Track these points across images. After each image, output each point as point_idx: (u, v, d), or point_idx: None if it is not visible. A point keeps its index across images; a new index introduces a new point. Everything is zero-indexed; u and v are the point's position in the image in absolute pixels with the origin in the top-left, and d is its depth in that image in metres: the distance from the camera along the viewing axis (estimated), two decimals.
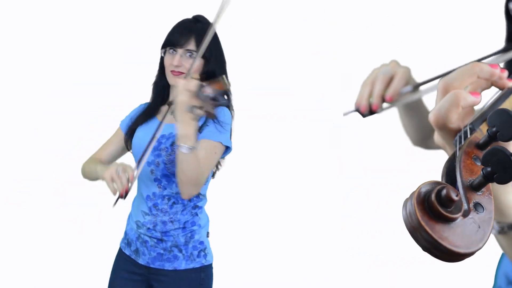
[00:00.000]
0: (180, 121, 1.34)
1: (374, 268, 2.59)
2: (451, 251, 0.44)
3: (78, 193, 2.58)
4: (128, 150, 1.73)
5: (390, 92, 1.01)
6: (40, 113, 2.85)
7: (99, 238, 2.55)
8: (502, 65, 1.08)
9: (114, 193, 1.45)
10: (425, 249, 0.46)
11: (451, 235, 0.45)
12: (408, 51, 2.19)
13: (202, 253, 1.67)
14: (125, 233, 1.72)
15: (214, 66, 1.60)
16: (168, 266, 1.64)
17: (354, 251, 2.63)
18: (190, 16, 1.65)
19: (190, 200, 1.64)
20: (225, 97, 1.32)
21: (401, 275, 2.47)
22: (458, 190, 0.50)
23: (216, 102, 1.31)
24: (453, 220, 0.46)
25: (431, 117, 0.58)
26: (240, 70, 1.53)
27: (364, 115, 1.06)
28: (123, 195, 1.44)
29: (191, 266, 1.65)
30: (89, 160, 1.72)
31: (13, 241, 2.82)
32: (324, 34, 2.61)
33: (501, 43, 1.11)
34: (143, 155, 1.52)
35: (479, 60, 1.06)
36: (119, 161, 1.71)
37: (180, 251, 1.64)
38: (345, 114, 1.12)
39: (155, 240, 1.63)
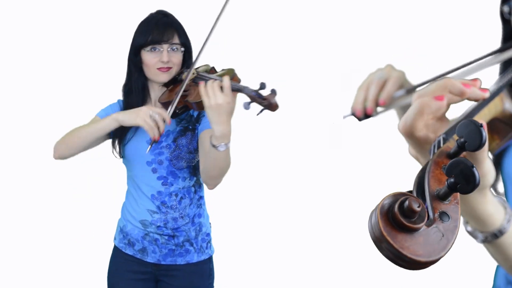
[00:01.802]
0: (218, 122, 1.34)
1: (373, 268, 2.58)
2: (412, 260, 0.47)
3: (73, 190, 2.62)
4: (119, 156, 1.68)
5: (383, 96, 1.03)
6: (35, 113, 2.88)
7: (94, 237, 2.57)
8: (498, 66, 1.09)
9: (153, 139, 1.46)
10: (389, 258, 0.48)
11: (413, 245, 0.47)
12: (407, 51, 2.19)
13: (209, 244, 1.72)
14: (124, 234, 1.70)
15: (189, 58, 1.63)
16: (180, 261, 1.66)
17: (354, 250, 2.63)
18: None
19: (195, 192, 1.66)
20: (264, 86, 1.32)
21: (400, 275, 2.45)
22: (425, 199, 0.52)
23: (272, 92, 1.30)
24: (415, 230, 0.47)
25: (399, 127, 0.60)
26: (240, 70, 1.54)
27: (359, 119, 1.09)
28: (158, 139, 1.47)
29: (202, 258, 1.69)
30: (67, 133, 1.61)
31: (9, 242, 2.84)
32: (324, 34, 2.60)
33: (497, 45, 1.12)
34: (176, 96, 1.49)
35: (475, 61, 1.06)
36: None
37: (191, 244, 1.67)
38: (343, 117, 1.14)
39: (166, 237, 1.64)
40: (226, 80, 1.33)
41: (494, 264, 1.11)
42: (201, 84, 1.37)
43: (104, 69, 2.63)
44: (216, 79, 1.37)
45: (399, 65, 1.13)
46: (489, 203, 0.65)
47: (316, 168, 2.79)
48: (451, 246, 0.48)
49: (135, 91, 1.64)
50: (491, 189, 0.91)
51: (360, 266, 2.62)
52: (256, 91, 1.31)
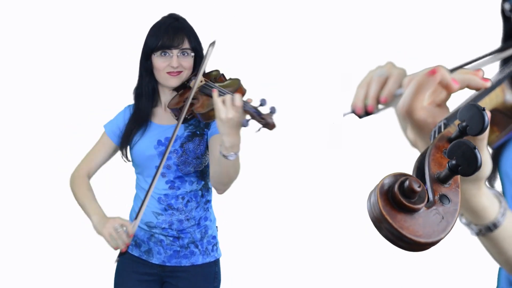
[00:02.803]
0: (228, 134, 1.34)
1: (374, 268, 2.58)
2: (412, 240, 0.46)
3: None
4: (127, 160, 1.72)
5: (384, 94, 1.02)
6: (32, 113, 2.89)
7: (99, 240, 2.57)
8: (498, 63, 1.08)
9: (116, 249, 1.50)
10: (388, 239, 0.47)
11: (413, 225, 0.46)
12: (407, 50, 2.19)
13: (215, 247, 1.72)
14: None
15: (199, 62, 1.62)
16: (185, 263, 1.66)
17: (356, 251, 2.62)
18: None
19: (202, 196, 1.67)
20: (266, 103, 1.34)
21: (403, 275, 2.45)
22: (425, 182, 0.51)
23: (270, 111, 1.32)
24: (415, 210, 0.47)
25: (398, 107, 0.60)
26: (240, 70, 1.55)
27: (360, 117, 1.08)
28: (125, 251, 1.50)
29: (207, 260, 1.69)
30: (76, 178, 1.71)
31: (11, 243, 2.84)
32: (324, 34, 2.61)
33: (498, 43, 1.12)
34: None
35: (475, 61, 1.06)
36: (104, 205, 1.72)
37: (196, 246, 1.67)
38: (343, 115, 1.14)
39: (171, 239, 1.65)
40: (238, 98, 1.33)
41: (497, 265, 1.10)
42: (216, 95, 1.37)
43: (114, 72, 2.64)
44: (228, 94, 1.37)
45: (401, 64, 1.13)
46: (483, 195, 0.65)
47: (317, 169, 2.79)
48: (451, 229, 0.48)
49: (146, 95, 1.66)
50: (488, 184, 0.90)
51: (364, 267, 2.61)
52: (256, 108, 1.33)
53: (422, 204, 0.47)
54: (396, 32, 2.37)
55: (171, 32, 1.58)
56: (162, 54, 1.58)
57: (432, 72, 0.59)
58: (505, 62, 1.07)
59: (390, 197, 0.47)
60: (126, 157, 1.70)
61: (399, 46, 2.22)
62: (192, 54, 1.60)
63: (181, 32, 1.59)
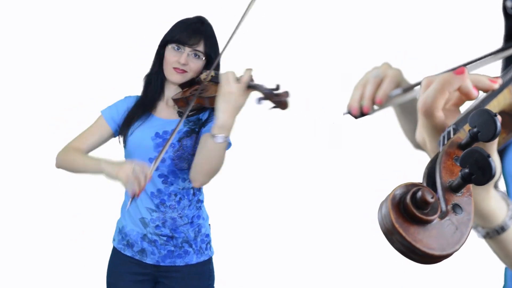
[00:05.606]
0: (224, 110, 1.36)
1: (375, 269, 2.57)
2: (425, 254, 0.44)
3: (70, 192, 2.59)
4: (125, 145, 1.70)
5: (379, 95, 1.02)
6: (35, 112, 2.87)
7: (93, 237, 2.55)
8: (500, 62, 1.07)
9: (132, 194, 1.44)
10: (400, 252, 0.45)
11: (426, 238, 0.44)
12: (407, 50, 2.18)
13: (209, 245, 1.72)
14: (123, 235, 1.70)
15: (210, 66, 1.63)
16: (179, 262, 1.66)
17: (353, 250, 2.62)
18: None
19: (194, 195, 1.66)
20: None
21: (410, 274, 2.44)
22: (437, 191, 0.49)
23: (285, 92, 1.38)
24: (428, 222, 0.45)
25: (419, 104, 0.58)
26: (240, 70, 1.55)
27: (356, 117, 1.08)
28: (139, 195, 1.45)
29: (201, 259, 1.69)
30: (69, 149, 1.64)
31: (6, 242, 2.82)
32: (324, 34, 2.60)
33: (499, 41, 1.10)
34: (160, 153, 1.51)
35: (477, 60, 1.05)
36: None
37: (190, 246, 1.66)
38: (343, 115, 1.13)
39: (165, 238, 1.64)
40: (247, 73, 1.37)
41: (503, 265, 1.09)
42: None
43: (109, 67, 2.63)
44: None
45: (400, 65, 1.12)
46: (492, 198, 0.63)
47: (316, 168, 2.79)
48: (465, 239, 0.46)
49: (155, 83, 1.67)
50: None
51: (359, 266, 2.61)
52: (271, 90, 1.36)
53: (436, 215, 0.45)
54: (396, 32, 2.37)
55: (190, 31, 1.60)
56: (176, 48, 1.60)
57: (460, 71, 0.58)
58: (508, 61, 1.06)
59: (402, 209, 0.45)
60: (125, 142, 1.67)
61: (399, 46, 2.22)
62: (204, 58, 1.62)
63: (200, 34, 1.61)
